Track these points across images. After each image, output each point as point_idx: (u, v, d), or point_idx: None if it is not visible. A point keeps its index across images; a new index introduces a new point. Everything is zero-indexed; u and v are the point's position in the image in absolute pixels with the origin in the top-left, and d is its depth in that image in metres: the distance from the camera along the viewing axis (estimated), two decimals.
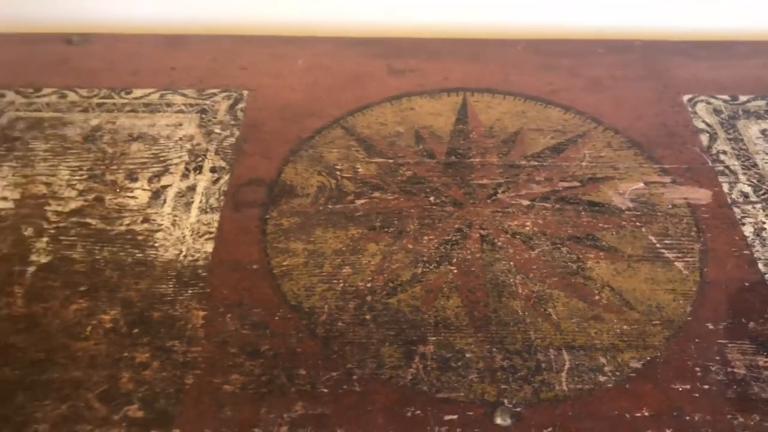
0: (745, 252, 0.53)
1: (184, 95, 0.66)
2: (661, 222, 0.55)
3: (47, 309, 0.49)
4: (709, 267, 0.52)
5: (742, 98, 0.67)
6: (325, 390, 0.44)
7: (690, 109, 0.65)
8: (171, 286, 0.50)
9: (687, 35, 0.76)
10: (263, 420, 0.43)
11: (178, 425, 0.43)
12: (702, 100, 0.66)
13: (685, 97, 0.67)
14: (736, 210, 0.56)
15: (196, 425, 0.43)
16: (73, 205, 0.56)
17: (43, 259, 0.52)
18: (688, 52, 0.73)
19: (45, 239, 0.53)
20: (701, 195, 0.57)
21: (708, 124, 0.64)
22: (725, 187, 0.58)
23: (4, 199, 0.56)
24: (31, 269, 0.51)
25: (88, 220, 0.55)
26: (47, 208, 0.56)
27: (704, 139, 0.63)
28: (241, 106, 0.65)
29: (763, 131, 0.63)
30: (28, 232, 0.54)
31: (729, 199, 0.57)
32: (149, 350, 0.46)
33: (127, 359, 0.46)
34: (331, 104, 0.66)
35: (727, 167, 0.60)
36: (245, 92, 0.67)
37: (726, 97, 0.67)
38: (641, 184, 0.58)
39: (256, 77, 0.69)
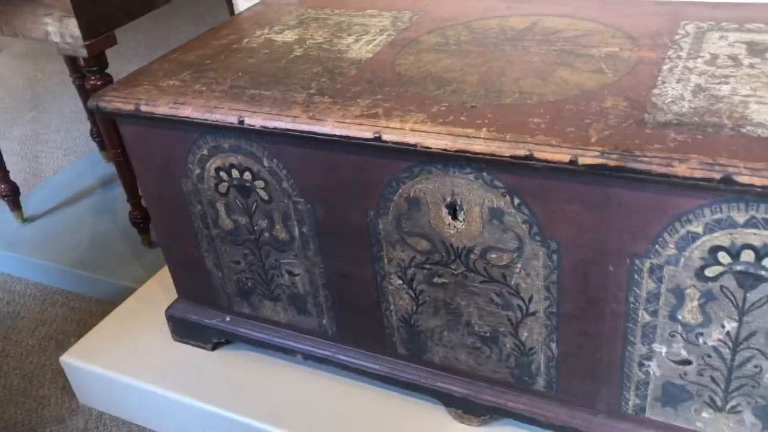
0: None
1: (386, 12, 1.22)
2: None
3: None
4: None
5: None
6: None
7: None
8: (346, 65, 1.03)
9: None
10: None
11: None
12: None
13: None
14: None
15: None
16: (319, 40, 1.13)
17: (298, 53, 1.09)
18: None
19: (301, 48, 1.11)
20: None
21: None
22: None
23: (291, 39, 1.16)
24: (291, 56, 1.09)
25: (326, 47, 1.11)
26: (309, 41, 1.14)
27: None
28: (416, 17, 1.18)
29: None
30: (295, 47, 1.12)
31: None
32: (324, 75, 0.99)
33: (330, 85, 0.99)
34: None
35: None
36: (421, 12, 1.20)
37: None
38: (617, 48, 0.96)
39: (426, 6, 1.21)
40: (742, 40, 0.95)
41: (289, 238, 1.05)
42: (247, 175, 1.02)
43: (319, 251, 1.04)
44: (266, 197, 1.03)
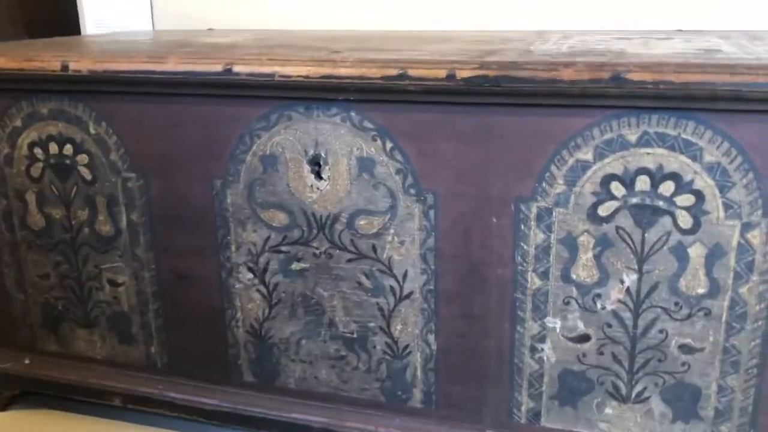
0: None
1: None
2: None
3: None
4: None
5: None
6: None
7: None
8: (203, 43, 0.93)
9: None
10: None
11: None
12: None
13: None
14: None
15: None
16: (175, 39, 1.03)
17: (147, 44, 0.98)
18: None
19: (153, 42, 1.00)
20: None
21: None
22: None
23: (143, 39, 1.05)
24: (140, 42, 0.97)
25: (182, 39, 1.01)
26: (164, 41, 1.03)
27: None
28: None
29: None
30: (146, 41, 1.01)
31: None
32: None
33: (181, 49, 0.88)
34: None
35: None
36: None
37: None
38: None
39: None
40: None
41: (115, 231, 0.86)
42: (68, 149, 0.85)
43: (151, 245, 0.85)
44: (89, 177, 0.85)
